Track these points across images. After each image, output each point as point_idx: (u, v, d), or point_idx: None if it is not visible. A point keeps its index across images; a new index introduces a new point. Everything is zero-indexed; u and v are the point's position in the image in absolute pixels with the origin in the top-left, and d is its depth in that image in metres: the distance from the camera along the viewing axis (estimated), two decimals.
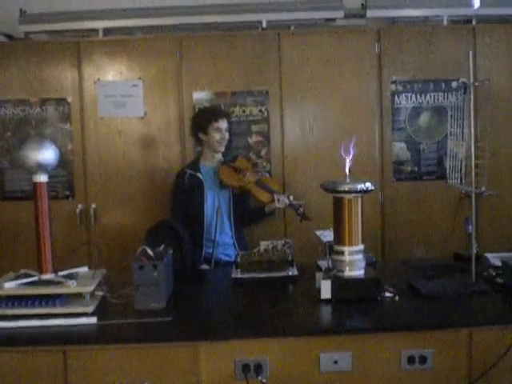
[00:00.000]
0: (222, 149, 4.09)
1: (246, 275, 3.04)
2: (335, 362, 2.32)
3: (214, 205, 4.01)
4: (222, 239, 4.00)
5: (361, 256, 2.66)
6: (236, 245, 4.01)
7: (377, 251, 4.41)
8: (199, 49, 4.50)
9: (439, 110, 4.52)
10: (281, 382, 2.31)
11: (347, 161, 2.69)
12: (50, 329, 2.39)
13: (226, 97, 4.52)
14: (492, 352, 2.32)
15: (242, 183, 3.99)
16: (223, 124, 4.05)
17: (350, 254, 2.64)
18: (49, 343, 2.32)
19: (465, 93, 2.84)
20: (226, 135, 4.07)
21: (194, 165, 4.12)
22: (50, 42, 4.65)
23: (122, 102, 4.52)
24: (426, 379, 2.34)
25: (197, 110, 4.41)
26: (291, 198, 4.00)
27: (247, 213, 4.13)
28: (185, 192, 4.03)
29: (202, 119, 4.08)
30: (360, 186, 2.62)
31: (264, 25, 4.60)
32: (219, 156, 4.13)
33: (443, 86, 4.52)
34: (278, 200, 3.91)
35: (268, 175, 4.49)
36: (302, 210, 3.92)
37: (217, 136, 4.02)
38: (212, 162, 4.11)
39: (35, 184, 2.64)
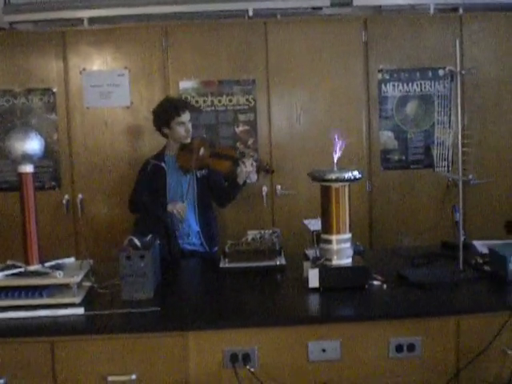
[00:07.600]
0: (188, 140, 3.97)
1: (234, 265, 3.03)
2: (323, 351, 2.32)
3: (177, 193, 3.93)
4: (187, 229, 3.91)
5: (348, 244, 2.66)
6: (201, 234, 3.91)
7: (365, 240, 4.41)
8: (185, 38, 4.47)
9: (426, 99, 4.52)
10: (269, 371, 2.31)
11: (336, 151, 2.69)
12: (37, 320, 2.38)
13: (212, 86, 4.50)
14: (480, 339, 2.34)
15: (197, 161, 3.86)
16: (186, 117, 3.94)
17: (338, 242, 2.64)
18: (36, 334, 2.31)
19: (452, 81, 2.84)
20: (190, 126, 3.98)
21: (159, 155, 4.04)
22: (35, 31, 4.61)
23: (108, 91, 4.49)
24: (415, 367, 2.35)
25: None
26: (256, 157, 3.95)
27: (223, 190, 3.97)
28: (147, 180, 3.97)
29: (164, 115, 3.96)
30: (347, 175, 2.61)
31: (250, 13, 4.57)
32: None
33: (430, 74, 4.52)
34: (244, 163, 3.74)
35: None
36: (267, 165, 3.81)
37: (181, 130, 3.93)
38: (176, 151, 4.03)
39: (20, 174, 2.62)
